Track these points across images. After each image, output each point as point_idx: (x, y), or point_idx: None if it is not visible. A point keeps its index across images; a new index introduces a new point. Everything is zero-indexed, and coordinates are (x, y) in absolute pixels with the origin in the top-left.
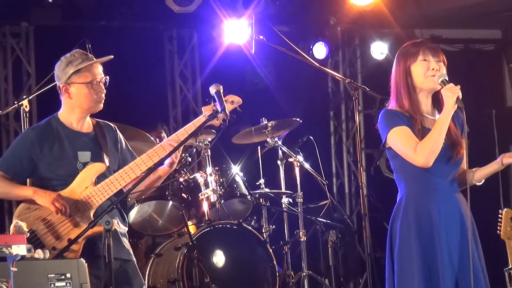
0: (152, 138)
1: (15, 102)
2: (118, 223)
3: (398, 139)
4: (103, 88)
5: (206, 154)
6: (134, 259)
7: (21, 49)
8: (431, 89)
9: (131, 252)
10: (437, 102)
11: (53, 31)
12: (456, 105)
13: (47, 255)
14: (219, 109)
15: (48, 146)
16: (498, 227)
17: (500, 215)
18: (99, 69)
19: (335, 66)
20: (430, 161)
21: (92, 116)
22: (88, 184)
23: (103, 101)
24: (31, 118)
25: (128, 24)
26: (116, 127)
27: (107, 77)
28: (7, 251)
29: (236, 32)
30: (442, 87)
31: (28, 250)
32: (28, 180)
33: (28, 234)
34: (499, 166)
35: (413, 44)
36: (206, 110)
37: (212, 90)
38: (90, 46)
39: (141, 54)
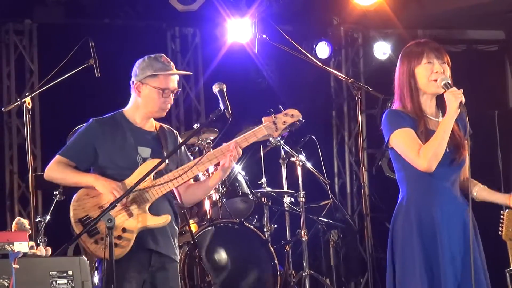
0: None
1: (18, 99)
2: (171, 220)
3: (401, 141)
4: (172, 99)
5: (208, 152)
6: (178, 261)
7: (24, 46)
8: (434, 93)
9: (177, 252)
10: (441, 103)
11: (56, 29)
12: (459, 109)
13: (49, 252)
14: (222, 108)
15: (111, 137)
16: (500, 228)
17: (502, 216)
18: (175, 80)
19: (338, 66)
20: (433, 166)
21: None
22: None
23: (167, 110)
24: (34, 116)
25: (131, 23)
26: (177, 133)
27: (180, 90)
28: (9, 248)
29: (239, 31)
30: (445, 91)
31: (30, 247)
32: None
33: (30, 230)
34: (505, 202)
35: (417, 45)
36: (266, 121)
37: (215, 89)
38: (93, 44)
39: (144, 52)
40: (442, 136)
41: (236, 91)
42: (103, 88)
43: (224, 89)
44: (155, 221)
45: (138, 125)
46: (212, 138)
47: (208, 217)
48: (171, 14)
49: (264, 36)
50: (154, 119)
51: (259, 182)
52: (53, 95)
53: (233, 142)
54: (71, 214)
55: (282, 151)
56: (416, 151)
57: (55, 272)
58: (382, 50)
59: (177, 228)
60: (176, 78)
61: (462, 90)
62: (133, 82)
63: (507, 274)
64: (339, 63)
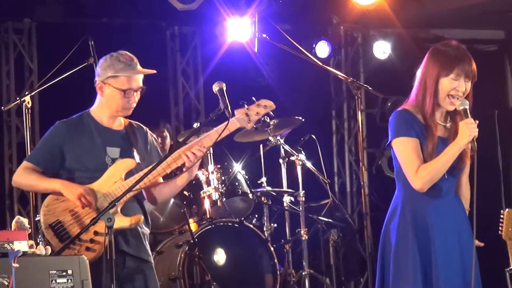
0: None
1: (17, 98)
2: (143, 221)
3: (403, 152)
4: (136, 98)
5: (208, 152)
6: (152, 261)
7: (23, 45)
8: (447, 109)
9: (150, 253)
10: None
11: (56, 28)
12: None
13: (49, 251)
14: (222, 107)
15: (78, 139)
16: (500, 228)
17: (501, 216)
18: (139, 79)
19: (338, 65)
20: (426, 188)
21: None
22: (117, 179)
23: (132, 108)
24: (33, 115)
25: (131, 22)
26: (147, 129)
27: (144, 87)
28: (8, 247)
29: (239, 30)
30: (462, 116)
31: (30, 246)
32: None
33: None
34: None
35: (449, 53)
36: (239, 113)
37: (215, 88)
38: (92, 43)
39: (143, 51)
40: (443, 163)
41: (235, 90)
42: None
43: (224, 88)
44: (127, 222)
45: (105, 125)
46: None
47: (208, 216)
48: (171, 13)
49: (264, 35)
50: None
51: (259, 181)
52: (53, 94)
53: (196, 142)
54: (41, 219)
55: (282, 150)
56: (414, 169)
57: (55, 271)
58: (382, 49)
59: (147, 229)
60: (140, 76)
61: (477, 122)
62: (95, 82)
63: (507, 274)
64: (338, 62)
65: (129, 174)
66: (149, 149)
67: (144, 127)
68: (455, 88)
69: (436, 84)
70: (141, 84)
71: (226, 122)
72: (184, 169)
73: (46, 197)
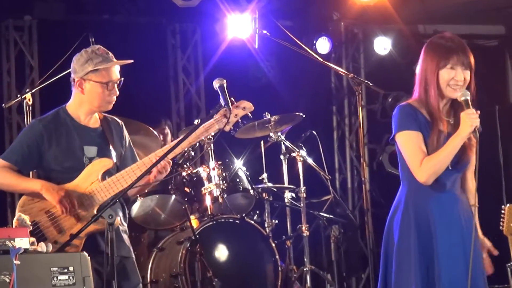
0: (155, 133)
1: (18, 96)
2: (120, 219)
3: (406, 145)
4: (117, 90)
5: (209, 148)
6: (133, 256)
7: (24, 42)
8: (451, 97)
9: (131, 249)
10: (454, 103)
11: (56, 25)
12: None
13: (50, 248)
14: (223, 104)
15: (56, 137)
16: (501, 223)
17: (503, 211)
18: (117, 71)
19: (338, 61)
20: (430, 181)
21: None
22: (94, 180)
23: (113, 102)
24: (34, 112)
25: (131, 19)
26: (123, 123)
27: (122, 79)
28: (10, 244)
29: (239, 27)
30: (463, 107)
31: (31, 244)
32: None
33: (31, 226)
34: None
35: (444, 45)
36: (217, 115)
37: (216, 84)
38: (93, 40)
39: (144, 48)
40: (446, 155)
41: (236, 86)
42: None
43: (225, 85)
44: (104, 224)
45: (82, 123)
46: (212, 133)
47: (209, 213)
48: (171, 10)
49: (264, 31)
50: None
51: (260, 178)
52: (54, 91)
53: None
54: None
55: (283, 147)
56: (418, 161)
57: (56, 268)
58: (382, 45)
59: (125, 224)
60: (117, 68)
61: (479, 112)
62: (73, 79)
63: (508, 269)
64: (339, 58)
65: (106, 173)
66: (123, 144)
67: (119, 121)
68: (453, 78)
69: (437, 76)
70: (118, 76)
71: (212, 119)
72: (152, 178)
73: None
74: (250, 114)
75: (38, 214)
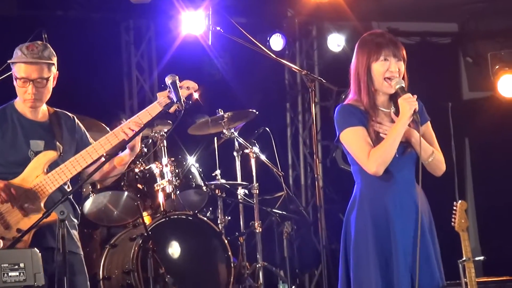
0: (108, 129)
1: None
2: (68, 213)
3: (351, 141)
4: (30, 90)
5: (162, 144)
6: (82, 253)
7: None
8: (386, 92)
9: (79, 245)
10: (394, 95)
11: (9, 21)
12: (412, 117)
13: (1, 245)
14: (175, 100)
15: (1, 133)
16: (453, 219)
17: (454, 207)
18: (32, 70)
19: (292, 58)
20: (381, 170)
21: (50, 105)
22: (39, 173)
23: (32, 100)
24: None
25: (85, 15)
26: (75, 117)
27: (44, 81)
28: None
29: (193, 23)
30: (399, 94)
31: None
32: None
33: None
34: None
35: (375, 38)
36: (161, 96)
37: (168, 80)
38: (46, 36)
39: (98, 44)
40: (391, 143)
41: None
42: (57, 80)
43: (177, 81)
44: (52, 217)
45: (29, 117)
46: (165, 130)
47: (162, 209)
48: (125, 6)
49: (218, 28)
50: (48, 104)
51: (213, 174)
52: (6, 88)
53: (127, 123)
54: None
55: (236, 143)
56: (365, 154)
57: (7, 265)
58: (336, 42)
59: (75, 220)
60: (34, 68)
61: (416, 96)
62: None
63: (460, 265)
64: (293, 55)
65: (53, 165)
66: (76, 137)
67: (71, 115)
68: (388, 70)
69: (369, 71)
70: (37, 76)
71: (153, 104)
72: (127, 147)
73: None
74: (198, 97)
75: None
